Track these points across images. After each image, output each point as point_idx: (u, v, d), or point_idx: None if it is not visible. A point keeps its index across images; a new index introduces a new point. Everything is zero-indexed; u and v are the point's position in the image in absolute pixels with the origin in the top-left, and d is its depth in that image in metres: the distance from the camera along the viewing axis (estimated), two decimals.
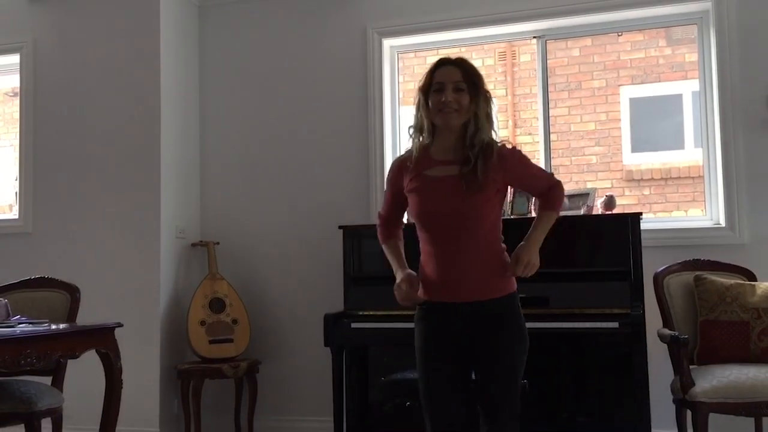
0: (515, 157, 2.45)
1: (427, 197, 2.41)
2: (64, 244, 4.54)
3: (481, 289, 2.38)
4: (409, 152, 2.51)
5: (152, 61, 4.45)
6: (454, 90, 2.38)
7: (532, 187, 2.60)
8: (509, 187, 2.65)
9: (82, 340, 3.13)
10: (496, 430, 2.38)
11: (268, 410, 4.42)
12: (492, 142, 2.43)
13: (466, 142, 2.39)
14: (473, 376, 2.47)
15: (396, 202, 2.56)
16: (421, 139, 2.47)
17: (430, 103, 2.41)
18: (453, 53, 6.08)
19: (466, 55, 6.35)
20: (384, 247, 2.59)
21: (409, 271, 2.46)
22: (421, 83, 2.47)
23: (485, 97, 2.43)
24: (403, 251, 2.56)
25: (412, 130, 2.50)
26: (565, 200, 3.94)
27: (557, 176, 4.17)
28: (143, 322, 4.25)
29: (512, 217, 3.94)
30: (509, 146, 2.48)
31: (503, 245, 2.50)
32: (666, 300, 3.52)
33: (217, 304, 4.35)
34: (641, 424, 3.31)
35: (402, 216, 2.62)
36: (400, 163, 2.53)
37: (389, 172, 2.58)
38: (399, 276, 2.45)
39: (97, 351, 3.19)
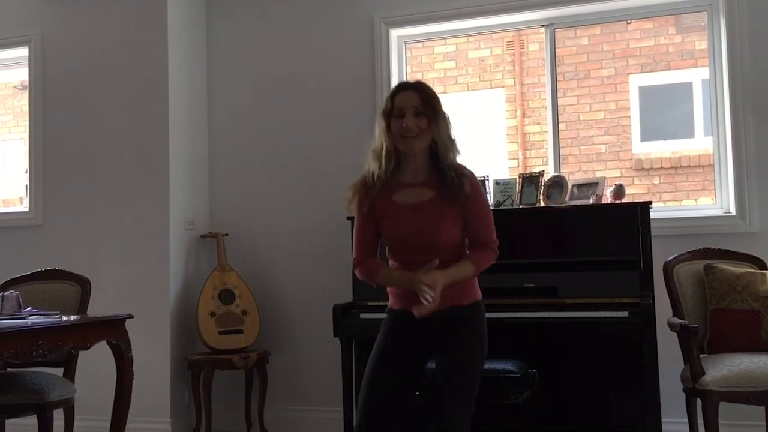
0: (473, 193, 2.49)
1: (399, 223, 2.48)
2: (75, 236, 4.57)
3: (450, 299, 2.44)
4: (367, 177, 2.55)
5: (160, 53, 4.45)
6: (414, 115, 2.45)
7: (474, 231, 2.53)
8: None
9: (93, 332, 3.15)
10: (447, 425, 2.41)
11: (278, 400, 4.43)
12: (459, 167, 2.50)
13: (439, 164, 2.47)
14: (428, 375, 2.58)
15: (372, 231, 2.54)
16: (384, 163, 2.50)
17: (392, 128, 2.48)
18: (461, 42, 6.07)
19: (474, 45, 6.31)
20: (378, 279, 2.53)
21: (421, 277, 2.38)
22: (382, 108, 2.55)
23: (444, 119, 2.51)
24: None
25: (373, 154, 2.54)
26: (575, 190, 3.95)
27: (564, 166, 4.17)
28: (153, 314, 4.27)
29: (521, 206, 3.93)
30: (475, 180, 2.52)
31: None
32: (676, 289, 3.51)
33: (226, 296, 4.36)
34: (651, 413, 3.31)
35: (377, 246, 2.58)
36: (364, 189, 2.54)
37: (354, 200, 2.55)
38: (418, 279, 2.36)
39: (108, 342, 3.21)
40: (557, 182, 3.95)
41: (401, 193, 2.51)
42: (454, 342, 2.47)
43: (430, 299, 2.33)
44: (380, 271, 2.53)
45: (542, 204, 3.92)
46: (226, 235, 4.56)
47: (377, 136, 2.55)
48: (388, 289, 2.62)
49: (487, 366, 3.27)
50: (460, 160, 2.56)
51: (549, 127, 4.34)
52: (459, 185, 2.44)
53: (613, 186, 3.88)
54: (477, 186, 2.52)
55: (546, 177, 4.01)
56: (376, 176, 2.51)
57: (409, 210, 2.48)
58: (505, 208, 3.95)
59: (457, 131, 2.56)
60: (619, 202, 3.83)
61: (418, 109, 2.46)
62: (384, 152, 2.50)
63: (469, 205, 2.48)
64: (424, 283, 2.33)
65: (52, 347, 2.91)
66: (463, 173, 2.49)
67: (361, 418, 2.46)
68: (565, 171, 4.33)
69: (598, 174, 5.08)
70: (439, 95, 2.57)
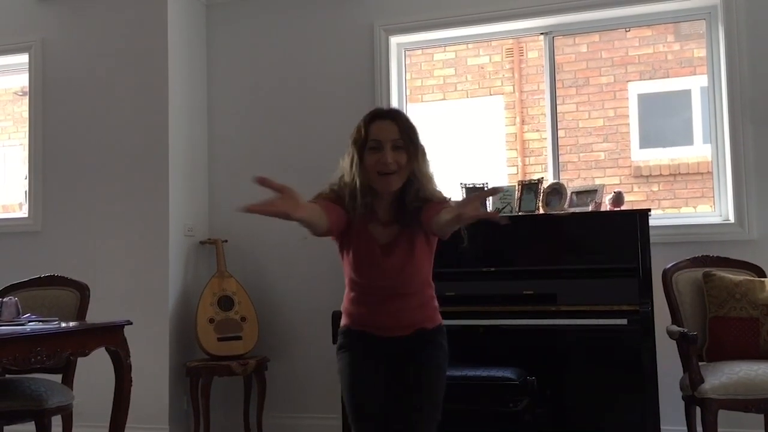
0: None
1: (366, 257, 2.30)
2: (74, 242, 4.57)
3: (415, 324, 2.34)
4: (339, 193, 2.31)
5: (160, 59, 4.46)
6: (392, 149, 2.22)
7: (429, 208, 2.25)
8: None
9: (91, 338, 3.14)
10: None
11: (276, 407, 4.43)
12: (429, 198, 2.26)
13: (407, 199, 2.25)
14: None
15: (339, 209, 2.28)
16: (360, 199, 2.26)
17: (366, 161, 2.25)
18: (460, 50, 6.08)
19: (473, 52, 6.31)
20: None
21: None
22: (354, 136, 2.29)
23: (423, 153, 2.29)
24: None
25: (342, 183, 2.30)
26: (573, 197, 3.96)
27: (563, 174, 4.17)
28: (152, 320, 4.27)
29: (520, 213, 3.93)
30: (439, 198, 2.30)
31: (432, 289, 2.41)
32: (675, 296, 3.51)
33: (225, 302, 4.36)
34: (650, 421, 3.31)
35: (332, 220, 2.26)
36: (339, 199, 2.31)
37: (327, 196, 2.31)
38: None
39: (106, 349, 3.21)
40: (556, 189, 3.95)
41: (374, 227, 2.31)
42: (420, 368, 2.32)
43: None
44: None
45: (541, 211, 3.93)
46: (225, 241, 4.56)
47: (347, 168, 2.30)
48: (342, 307, 2.44)
49: (485, 373, 3.31)
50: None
51: (548, 135, 4.34)
52: (416, 214, 2.23)
53: (612, 193, 3.89)
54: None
55: (545, 184, 4.02)
56: (353, 206, 2.28)
57: (381, 249, 2.29)
58: (503, 215, 3.95)
59: (434, 164, 2.33)
60: (618, 209, 3.83)
61: (396, 142, 2.23)
62: (358, 188, 2.26)
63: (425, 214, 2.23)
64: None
65: (50, 353, 2.91)
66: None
67: None
68: (564, 178, 4.34)
69: (597, 181, 5.08)
70: (417, 126, 2.32)
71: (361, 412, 2.31)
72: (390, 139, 2.23)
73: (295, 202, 2.14)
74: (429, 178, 2.29)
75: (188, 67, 4.65)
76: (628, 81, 5.91)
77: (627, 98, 5.98)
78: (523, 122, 6.24)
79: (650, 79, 5.91)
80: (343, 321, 2.43)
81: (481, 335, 3.59)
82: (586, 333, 3.44)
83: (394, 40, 4.49)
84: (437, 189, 2.32)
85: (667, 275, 3.53)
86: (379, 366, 2.35)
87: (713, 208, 4.07)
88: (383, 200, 2.31)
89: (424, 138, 2.35)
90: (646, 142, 6.11)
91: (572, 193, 3.97)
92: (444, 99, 6.03)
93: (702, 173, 5.56)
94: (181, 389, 4.37)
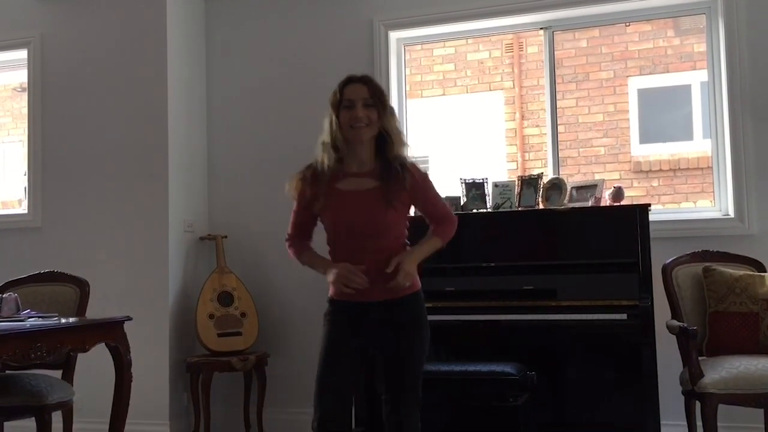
0: (420, 179, 2.59)
1: (341, 210, 2.56)
2: (73, 238, 4.56)
3: (389, 290, 2.52)
4: (314, 165, 2.62)
5: (159, 55, 4.45)
6: (363, 106, 2.54)
7: (433, 209, 2.66)
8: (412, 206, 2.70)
9: (91, 334, 3.14)
10: (400, 416, 2.52)
11: (277, 403, 4.43)
12: (404, 159, 2.59)
13: (386, 155, 2.56)
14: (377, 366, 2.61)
15: (308, 217, 2.67)
16: (333, 154, 2.56)
17: (341, 119, 2.56)
18: (460, 45, 6.06)
19: (473, 47, 6.30)
20: (301, 260, 2.71)
21: (342, 264, 2.53)
22: (331, 99, 2.62)
23: (392, 113, 2.61)
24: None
25: (323, 147, 2.59)
26: (573, 192, 3.95)
27: (563, 169, 4.15)
28: (152, 316, 4.27)
29: (520, 209, 3.93)
30: (418, 167, 2.61)
31: (408, 248, 2.63)
32: (675, 291, 3.51)
33: (225, 298, 4.36)
34: (650, 415, 3.31)
35: (312, 231, 2.72)
36: (311, 177, 2.62)
37: (298, 186, 2.66)
38: (334, 269, 2.53)
39: (106, 345, 3.21)
40: (556, 184, 3.95)
41: (345, 181, 2.57)
42: (402, 336, 2.54)
43: (361, 281, 2.46)
44: (305, 252, 2.70)
45: (541, 206, 3.92)
46: (225, 237, 4.56)
47: (326, 128, 2.61)
48: (328, 278, 2.64)
49: (485, 369, 3.31)
50: (410, 152, 2.66)
51: (548, 130, 4.34)
52: (402, 177, 2.53)
53: (612, 188, 3.88)
54: (417, 172, 2.60)
55: (545, 179, 4.01)
56: (326, 166, 2.57)
57: (350, 196, 2.54)
58: (504, 210, 3.95)
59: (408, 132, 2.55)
60: (618, 204, 3.83)
61: (367, 101, 2.54)
62: (332, 143, 2.56)
63: (422, 190, 2.59)
64: (340, 273, 2.48)
65: (50, 349, 2.91)
66: (405, 164, 2.57)
67: (319, 421, 2.49)
68: (564, 173, 4.33)
69: (597, 176, 5.09)
70: (386, 93, 2.65)
71: (323, 384, 2.52)
72: (361, 98, 2.55)
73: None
74: (398, 134, 2.59)
75: (187, 62, 4.64)
76: (628, 76, 5.91)
77: (627, 93, 5.98)
78: (522, 118, 6.24)
79: (650, 74, 5.91)
80: (329, 290, 2.65)
81: (481, 330, 3.59)
82: (585, 328, 3.44)
83: (394, 36, 4.48)
84: (405, 148, 2.61)
85: (667, 270, 3.54)
86: (357, 338, 2.56)
87: (713, 203, 4.07)
88: (357, 153, 2.58)
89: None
90: (646, 138, 6.11)
91: (572, 188, 3.97)
92: (444, 94, 6.02)
93: (702, 168, 5.57)
94: (182, 385, 4.38)
